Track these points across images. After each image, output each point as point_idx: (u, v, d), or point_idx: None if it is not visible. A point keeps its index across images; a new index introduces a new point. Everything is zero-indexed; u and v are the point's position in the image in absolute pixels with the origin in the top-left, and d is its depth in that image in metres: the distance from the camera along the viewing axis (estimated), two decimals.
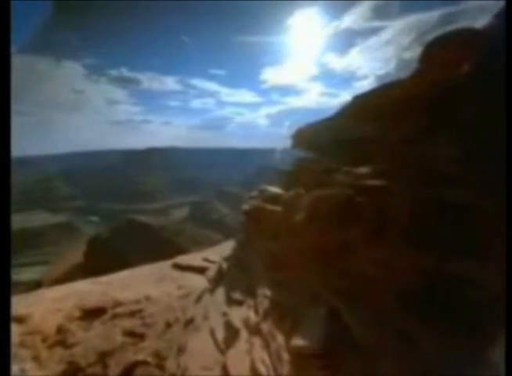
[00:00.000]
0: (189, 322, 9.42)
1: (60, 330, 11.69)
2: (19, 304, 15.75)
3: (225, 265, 11.07)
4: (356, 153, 8.56)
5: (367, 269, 5.45)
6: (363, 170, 6.39)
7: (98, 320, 12.31)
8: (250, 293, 7.17)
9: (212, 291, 9.96)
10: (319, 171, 8.06)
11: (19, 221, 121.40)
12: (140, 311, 12.38)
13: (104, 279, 20.52)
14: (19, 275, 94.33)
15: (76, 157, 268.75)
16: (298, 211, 6.86)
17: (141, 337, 11.11)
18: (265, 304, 6.32)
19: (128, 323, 11.72)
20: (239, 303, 7.34)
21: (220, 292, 8.90)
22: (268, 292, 6.57)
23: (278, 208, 8.57)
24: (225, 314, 7.30)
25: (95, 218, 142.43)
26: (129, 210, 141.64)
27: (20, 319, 12.45)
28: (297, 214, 6.86)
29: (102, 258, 76.67)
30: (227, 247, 25.64)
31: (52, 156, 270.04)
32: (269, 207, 9.09)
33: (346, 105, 11.64)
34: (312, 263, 6.21)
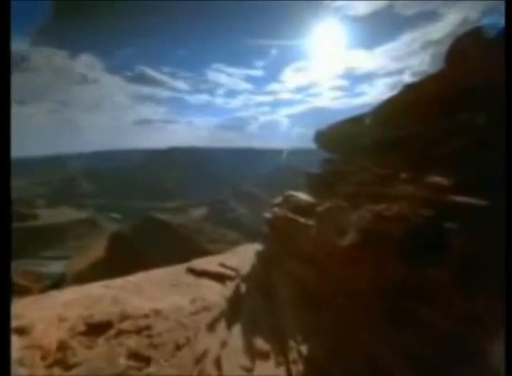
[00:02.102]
0: (200, 359, 7.94)
1: (61, 346, 10.63)
2: (30, 306, 15.10)
3: (243, 287, 9.49)
4: (411, 156, 6.69)
5: (455, 329, 3.68)
6: (440, 180, 4.53)
7: (102, 336, 11.16)
8: (279, 341, 5.50)
9: (229, 320, 8.41)
10: (366, 179, 6.26)
11: (47, 216, 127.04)
12: (148, 328, 11.11)
13: (118, 282, 19.69)
14: (47, 267, 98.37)
15: (100, 155, 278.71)
16: (343, 231, 5.16)
17: (147, 361, 9.82)
18: (300, 366, 4.61)
19: (133, 343, 10.46)
20: (265, 356, 5.60)
21: (237, 330, 7.28)
22: (304, 349, 4.82)
23: (311, 222, 6.87)
24: (244, 369, 5.65)
25: (116, 215, 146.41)
26: (150, 208, 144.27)
27: (22, 331, 11.54)
28: (342, 234, 5.16)
29: (123, 253, 78.05)
30: (245, 251, 24.13)
31: (77, 154, 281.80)
32: (300, 219, 7.41)
33: (389, 99, 9.83)
34: (367, 307, 4.48)
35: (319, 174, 9.94)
